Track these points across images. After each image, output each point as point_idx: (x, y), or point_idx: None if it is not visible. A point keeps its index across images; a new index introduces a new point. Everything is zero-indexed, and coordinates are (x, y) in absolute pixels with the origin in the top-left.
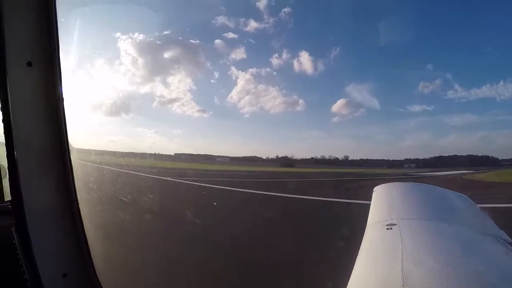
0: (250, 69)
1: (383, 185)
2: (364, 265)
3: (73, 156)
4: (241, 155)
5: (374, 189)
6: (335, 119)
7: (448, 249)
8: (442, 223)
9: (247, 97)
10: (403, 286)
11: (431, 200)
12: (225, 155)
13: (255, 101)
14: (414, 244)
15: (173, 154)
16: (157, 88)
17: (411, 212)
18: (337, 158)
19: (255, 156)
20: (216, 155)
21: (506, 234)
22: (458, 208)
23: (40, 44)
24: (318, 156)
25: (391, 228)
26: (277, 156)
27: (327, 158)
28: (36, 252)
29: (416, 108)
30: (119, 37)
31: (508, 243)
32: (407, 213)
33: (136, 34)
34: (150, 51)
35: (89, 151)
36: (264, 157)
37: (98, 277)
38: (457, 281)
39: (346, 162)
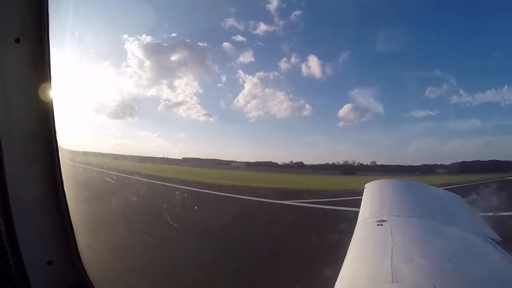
0: (257, 73)
1: (374, 181)
2: (354, 260)
3: (61, 143)
4: (253, 160)
5: (366, 185)
6: (341, 124)
7: (437, 246)
8: (432, 221)
9: (253, 101)
10: (392, 282)
11: (423, 198)
12: (233, 159)
13: (262, 105)
14: (404, 241)
15: (181, 158)
16: (163, 91)
17: (402, 209)
18: (362, 164)
19: (270, 162)
20: (225, 159)
21: (496, 234)
22: (449, 207)
23: (29, 20)
24: (350, 162)
25: (381, 225)
26: (291, 161)
27: (352, 164)
28: (20, 240)
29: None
30: (122, 34)
31: (496, 242)
32: (398, 210)
33: (144, 36)
34: (155, 52)
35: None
36: (280, 162)
37: (83, 264)
38: (446, 278)
39: (376, 168)
